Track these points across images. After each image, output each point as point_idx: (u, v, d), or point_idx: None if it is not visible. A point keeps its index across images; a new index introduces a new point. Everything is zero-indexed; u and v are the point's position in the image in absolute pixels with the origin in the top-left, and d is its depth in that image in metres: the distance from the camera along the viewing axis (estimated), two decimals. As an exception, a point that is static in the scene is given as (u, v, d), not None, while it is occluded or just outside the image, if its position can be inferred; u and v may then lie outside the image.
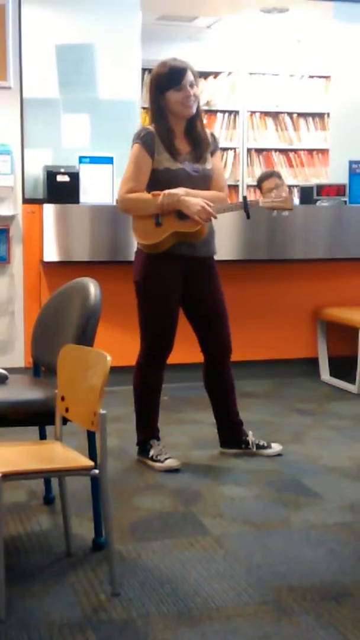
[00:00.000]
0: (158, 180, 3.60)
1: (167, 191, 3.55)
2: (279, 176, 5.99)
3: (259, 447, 3.89)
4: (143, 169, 3.61)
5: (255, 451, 3.87)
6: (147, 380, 3.77)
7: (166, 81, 3.60)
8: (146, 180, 3.61)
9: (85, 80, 5.39)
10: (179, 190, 3.56)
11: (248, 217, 3.75)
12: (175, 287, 3.69)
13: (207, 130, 3.76)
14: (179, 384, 4.99)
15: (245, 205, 3.74)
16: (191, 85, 3.62)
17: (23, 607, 2.44)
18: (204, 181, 3.68)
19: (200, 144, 3.69)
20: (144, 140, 3.61)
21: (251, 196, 7.26)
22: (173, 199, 3.55)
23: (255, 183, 7.49)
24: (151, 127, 3.64)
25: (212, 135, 3.80)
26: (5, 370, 3.08)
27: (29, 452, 2.66)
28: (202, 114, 3.74)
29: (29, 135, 5.23)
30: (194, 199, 3.57)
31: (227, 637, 2.27)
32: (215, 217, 3.62)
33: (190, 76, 3.62)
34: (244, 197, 3.82)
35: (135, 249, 3.77)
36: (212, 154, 3.74)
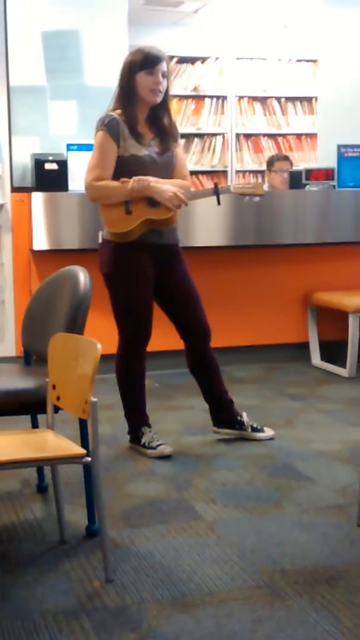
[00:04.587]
0: (124, 167, 3.58)
1: (136, 177, 3.54)
2: (291, 164, 6.07)
3: (253, 429, 3.90)
4: (109, 156, 3.58)
5: (249, 433, 3.88)
6: (129, 370, 3.77)
7: (140, 63, 3.58)
8: (112, 167, 3.58)
9: (72, 67, 5.36)
10: (149, 178, 3.56)
11: (219, 203, 3.75)
12: (147, 274, 3.68)
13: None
14: (169, 371, 5.01)
15: (217, 192, 3.74)
16: (163, 75, 3.60)
17: (17, 595, 2.45)
18: (168, 168, 3.68)
19: (166, 137, 3.67)
20: (108, 126, 3.58)
21: (239, 181, 7.27)
22: (143, 184, 3.53)
23: (244, 168, 7.51)
24: (115, 114, 3.62)
25: (175, 126, 3.77)
26: (-4, 359, 3.08)
27: (21, 441, 2.66)
28: (170, 107, 3.73)
29: (16, 123, 5.21)
30: (165, 185, 3.57)
31: (221, 621, 2.29)
32: (186, 204, 3.62)
33: (164, 66, 3.61)
34: (215, 184, 3.82)
35: (99, 241, 3.76)
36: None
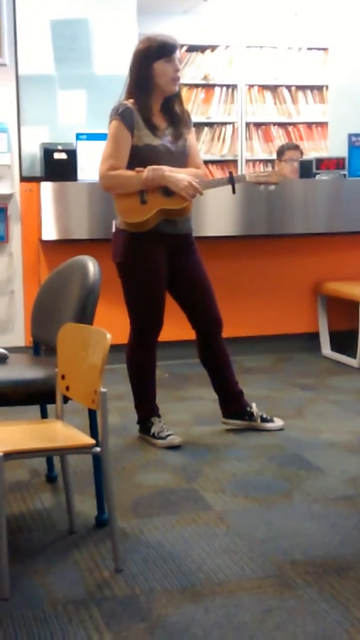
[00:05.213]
0: (138, 157, 3.56)
1: (151, 167, 3.52)
2: (301, 153, 6.05)
3: (263, 419, 3.89)
4: (123, 146, 3.56)
5: (259, 423, 3.88)
6: (140, 361, 3.76)
7: (157, 51, 3.55)
8: (127, 156, 3.56)
9: (81, 56, 5.35)
10: (163, 167, 3.54)
11: (234, 192, 3.74)
12: (161, 265, 3.67)
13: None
14: (179, 361, 5.01)
15: (232, 181, 3.72)
16: (179, 62, 3.59)
17: (27, 585, 2.45)
18: (182, 157, 3.66)
19: (179, 125, 3.66)
20: (122, 116, 3.55)
21: (249, 171, 7.24)
22: (158, 174, 3.52)
23: (254, 158, 7.48)
24: (128, 103, 3.59)
25: (188, 113, 3.77)
26: (6, 349, 3.08)
27: (31, 431, 2.67)
28: (181, 95, 3.71)
29: (25, 113, 5.20)
30: (180, 175, 3.55)
31: (231, 611, 2.29)
32: (202, 193, 3.61)
33: (179, 53, 3.60)
34: (230, 173, 3.81)
35: (113, 230, 3.75)
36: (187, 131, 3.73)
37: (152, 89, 3.59)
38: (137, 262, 3.65)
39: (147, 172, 3.52)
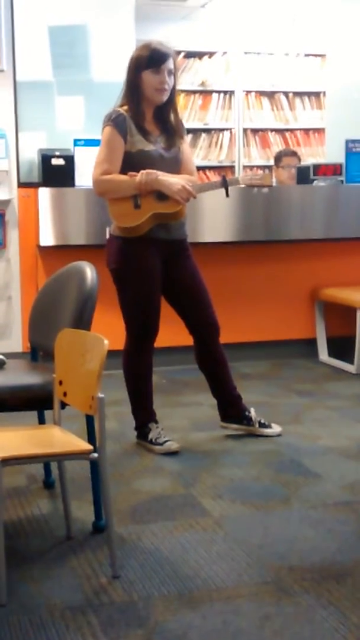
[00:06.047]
0: (131, 162, 3.57)
1: (145, 170, 3.52)
2: (299, 159, 6.06)
3: (261, 424, 3.89)
4: (116, 151, 3.57)
5: (257, 429, 3.88)
6: (136, 367, 3.76)
7: (146, 61, 3.56)
8: (120, 162, 3.57)
9: (79, 62, 5.36)
10: (157, 172, 3.54)
11: (227, 195, 3.74)
12: (155, 270, 3.67)
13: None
14: (177, 367, 5.01)
15: (225, 184, 3.73)
16: (169, 73, 3.57)
17: (24, 591, 2.45)
18: (175, 164, 3.67)
19: (173, 134, 3.66)
20: (116, 122, 3.56)
21: (247, 173, 7.25)
22: (151, 178, 3.52)
23: (251, 164, 7.50)
24: (122, 110, 3.60)
25: (181, 122, 3.77)
26: (3, 355, 3.08)
27: (28, 437, 2.66)
28: (177, 104, 3.71)
29: (23, 119, 5.20)
30: (173, 178, 3.56)
31: (228, 617, 2.28)
32: (195, 197, 3.61)
33: (170, 64, 3.58)
34: (223, 176, 3.81)
35: (107, 237, 3.75)
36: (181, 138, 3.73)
37: (142, 97, 3.60)
38: (131, 268, 3.65)
39: (141, 176, 3.52)
